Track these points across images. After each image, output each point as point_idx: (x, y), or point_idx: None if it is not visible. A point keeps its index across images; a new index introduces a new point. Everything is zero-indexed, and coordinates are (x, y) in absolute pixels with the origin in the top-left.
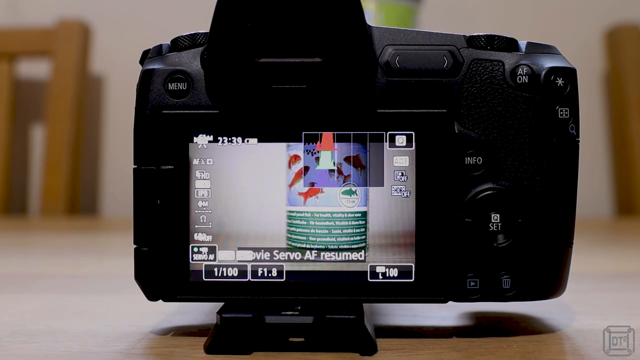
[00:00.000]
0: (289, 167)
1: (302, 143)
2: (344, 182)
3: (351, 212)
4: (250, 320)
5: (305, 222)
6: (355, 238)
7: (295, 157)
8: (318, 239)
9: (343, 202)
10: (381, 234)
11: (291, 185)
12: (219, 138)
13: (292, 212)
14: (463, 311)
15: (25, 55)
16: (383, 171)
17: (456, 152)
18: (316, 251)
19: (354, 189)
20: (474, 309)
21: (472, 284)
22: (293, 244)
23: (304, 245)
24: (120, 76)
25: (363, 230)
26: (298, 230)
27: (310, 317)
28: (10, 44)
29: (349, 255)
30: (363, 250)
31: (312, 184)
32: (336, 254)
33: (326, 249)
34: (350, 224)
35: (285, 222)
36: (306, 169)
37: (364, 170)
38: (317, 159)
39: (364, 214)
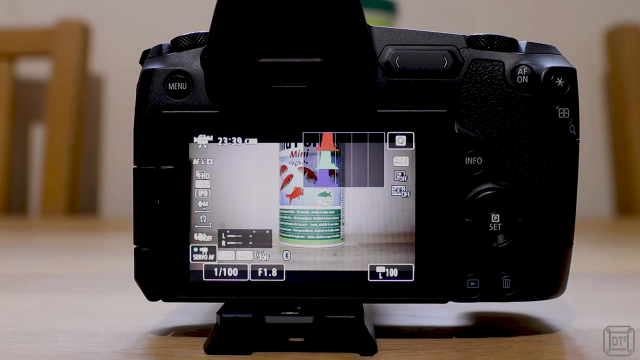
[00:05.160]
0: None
1: (290, 150)
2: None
3: (327, 210)
4: (250, 320)
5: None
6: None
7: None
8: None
9: (319, 202)
10: (381, 234)
11: (282, 188)
12: (219, 138)
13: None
14: (463, 311)
15: (25, 55)
16: (383, 171)
17: (456, 152)
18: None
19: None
20: (474, 309)
21: (472, 284)
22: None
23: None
24: (120, 76)
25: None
26: (290, 225)
27: (310, 317)
28: (10, 44)
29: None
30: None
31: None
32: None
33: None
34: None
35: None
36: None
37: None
38: (301, 168)
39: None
